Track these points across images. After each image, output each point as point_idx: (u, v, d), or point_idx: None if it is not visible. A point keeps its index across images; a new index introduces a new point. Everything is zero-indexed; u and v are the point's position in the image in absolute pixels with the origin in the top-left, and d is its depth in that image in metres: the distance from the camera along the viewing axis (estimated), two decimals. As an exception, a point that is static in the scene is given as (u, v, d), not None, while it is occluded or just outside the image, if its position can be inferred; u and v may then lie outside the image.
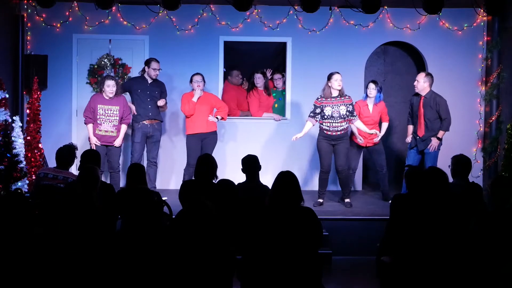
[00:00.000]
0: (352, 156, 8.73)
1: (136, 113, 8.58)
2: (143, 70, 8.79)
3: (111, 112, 8.25)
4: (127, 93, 8.74)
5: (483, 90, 9.76)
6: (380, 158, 8.86)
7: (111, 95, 8.23)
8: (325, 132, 8.25)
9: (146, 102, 8.62)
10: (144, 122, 8.62)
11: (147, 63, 8.69)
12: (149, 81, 8.70)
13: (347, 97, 8.26)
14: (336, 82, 8.15)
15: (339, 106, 8.18)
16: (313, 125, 8.36)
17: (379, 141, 8.76)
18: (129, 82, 8.94)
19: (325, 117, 8.20)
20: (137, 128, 8.62)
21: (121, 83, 8.79)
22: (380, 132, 8.76)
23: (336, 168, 8.40)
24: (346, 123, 8.27)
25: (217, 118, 8.75)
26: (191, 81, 8.71)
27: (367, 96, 8.72)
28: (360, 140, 8.66)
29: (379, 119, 8.83)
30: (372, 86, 8.71)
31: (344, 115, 8.19)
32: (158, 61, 8.70)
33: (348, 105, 8.22)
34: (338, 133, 8.22)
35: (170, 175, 9.72)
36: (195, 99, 8.61)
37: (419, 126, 8.41)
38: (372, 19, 9.49)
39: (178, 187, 9.40)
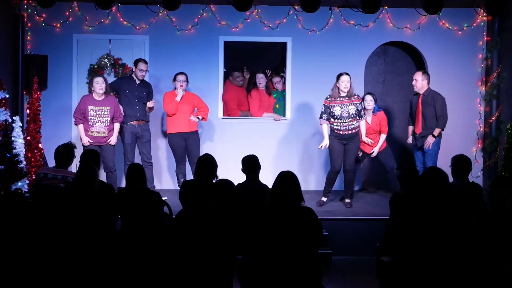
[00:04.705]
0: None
1: (124, 114, 8.56)
2: (131, 70, 8.82)
3: (102, 112, 8.23)
4: (114, 93, 8.72)
5: (483, 90, 9.77)
6: (388, 159, 8.87)
7: (101, 92, 8.20)
8: (337, 132, 8.23)
9: (134, 103, 8.62)
10: (132, 122, 8.60)
11: (135, 63, 8.68)
12: (137, 81, 8.70)
13: (356, 96, 8.25)
14: (343, 84, 8.13)
15: (348, 106, 8.16)
16: (328, 125, 8.33)
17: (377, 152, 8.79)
18: (117, 82, 8.89)
19: (335, 117, 8.19)
20: (126, 129, 8.60)
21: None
22: (377, 143, 8.78)
23: (344, 167, 8.39)
24: (357, 122, 8.27)
25: (198, 118, 8.76)
26: (174, 79, 8.72)
27: (365, 108, 8.71)
28: (370, 142, 8.68)
29: (379, 129, 8.83)
30: (369, 98, 8.73)
31: (353, 114, 8.18)
32: (146, 62, 8.70)
33: (357, 104, 8.20)
34: (350, 132, 8.21)
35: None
36: (178, 98, 8.63)
37: (417, 124, 8.46)
38: (372, 19, 9.49)
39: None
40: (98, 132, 8.23)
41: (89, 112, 8.20)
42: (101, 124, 8.23)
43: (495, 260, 4.75)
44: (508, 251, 4.73)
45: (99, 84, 8.21)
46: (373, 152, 8.77)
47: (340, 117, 8.17)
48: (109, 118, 8.25)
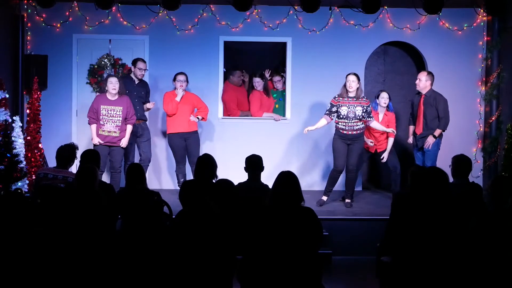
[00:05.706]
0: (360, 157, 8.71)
1: None
2: (130, 70, 8.81)
3: (114, 112, 8.23)
4: None
5: (483, 90, 9.77)
6: (392, 159, 8.82)
7: (114, 92, 8.19)
8: (341, 131, 8.23)
9: (134, 103, 8.59)
10: None
11: (134, 63, 8.71)
12: (136, 81, 8.73)
13: (364, 99, 8.23)
14: (348, 83, 8.13)
15: (356, 107, 8.14)
16: (327, 123, 8.35)
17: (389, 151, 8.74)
18: None
19: (341, 116, 8.18)
20: None
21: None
22: (386, 146, 8.71)
23: (346, 167, 8.39)
24: (362, 124, 8.26)
25: (197, 118, 8.76)
26: (174, 79, 8.72)
27: (377, 105, 8.69)
28: (370, 144, 8.66)
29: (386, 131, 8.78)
30: (386, 95, 8.70)
31: (360, 116, 8.16)
32: (145, 61, 8.76)
33: (365, 107, 8.18)
34: (354, 132, 8.21)
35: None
36: (178, 98, 8.63)
37: (418, 124, 8.47)
38: (372, 19, 9.49)
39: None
40: (109, 132, 8.21)
41: (101, 111, 8.18)
42: (113, 124, 8.21)
43: (495, 260, 4.75)
44: (508, 251, 4.73)
45: (112, 84, 8.19)
46: (383, 157, 8.70)
47: (346, 117, 8.16)
48: (121, 119, 8.22)
